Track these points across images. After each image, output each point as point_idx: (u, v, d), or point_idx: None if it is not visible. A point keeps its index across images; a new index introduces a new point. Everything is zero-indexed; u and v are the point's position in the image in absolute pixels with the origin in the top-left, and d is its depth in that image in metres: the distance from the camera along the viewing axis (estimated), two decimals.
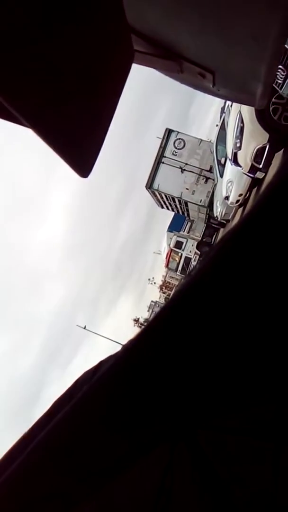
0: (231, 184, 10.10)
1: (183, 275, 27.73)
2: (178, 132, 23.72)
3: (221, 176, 11.73)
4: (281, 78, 4.96)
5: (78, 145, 0.50)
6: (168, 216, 41.13)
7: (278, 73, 4.84)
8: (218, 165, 12.19)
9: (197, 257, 25.05)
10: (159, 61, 0.75)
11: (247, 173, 8.20)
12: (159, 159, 23.32)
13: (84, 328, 32.44)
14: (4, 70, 0.36)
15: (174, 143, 23.32)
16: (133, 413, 0.44)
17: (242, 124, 7.40)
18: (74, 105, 0.46)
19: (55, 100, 0.42)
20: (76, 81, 0.44)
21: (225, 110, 11.23)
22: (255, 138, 7.29)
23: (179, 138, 23.47)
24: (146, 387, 0.43)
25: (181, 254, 30.72)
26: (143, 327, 0.47)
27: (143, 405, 0.43)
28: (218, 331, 0.42)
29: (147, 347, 0.44)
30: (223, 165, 11.34)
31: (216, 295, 0.44)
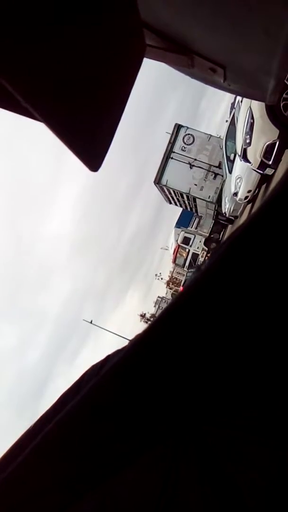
0: (240, 180, 10.06)
1: (191, 270, 27.66)
2: (188, 128, 23.64)
3: (230, 172, 11.68)
4: None
5: (89, 139, 0.50)
6: (176, 212, 41.14)
7: None
8: (227, 161, 12.14)
9: (205, 253, 25.00)
10: (170, 56, 0.75)
11: (257, 169, 8.16)
12: (168, 155, 23.26)
13: (91, 322, 32.61)
14: (18, 64, 0.36)
15: (183, 138, 23.24)
16: (139, 408, 0.44)
17: (252, 120, 7.35)
18: (85, 98, 0.46)
19: (67, 94, 0.42)
20: (88, 74, 0.44)
21: (235, 106, 11.16)
22: (265, 134, 7.24)
23: (189, 134, 23.38)
24: (152, 382, 0.43)
25: (189, 250, 30.72)
26: (150, 322, 0.47)
27: (149, 400, 0.43)
28: (227, 327, 0.42)
29: (154, 342, 0.44)
30: (232, 161, 11.29)
31: (225, 292, 0.44)
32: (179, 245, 31.55)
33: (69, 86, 0.41)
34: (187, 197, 25.38)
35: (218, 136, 23.21)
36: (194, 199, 25.05)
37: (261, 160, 7.66)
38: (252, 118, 7.33)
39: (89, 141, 0.49)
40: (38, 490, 0.44)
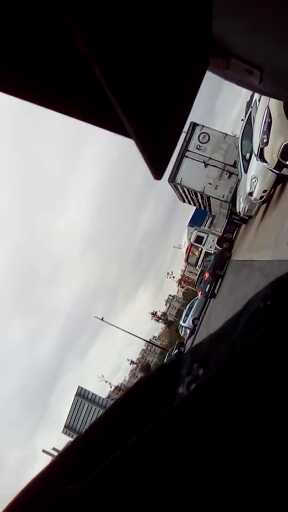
0: (256, 180, 9.99)
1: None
2: (203, 126, 23.54)
3: (246, 171, 11.61)
4: None
5: (160, 149, 0.50)
6: (189, 210, 41.08)
7: None
8: (242, 160, 12.06)
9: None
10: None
11: (273, 169, 8.09)
12: (182, 153, 23.21)
13: (102, 319, 32.80)
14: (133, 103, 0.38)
15: (198, 137, 23.16)
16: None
17: (270, 120, 7.29)
18: (166, 113, 0.47)
19: (153, 108, 0.43)
20: (167, 89, 0.45)
21: (251, 105, 11.08)
22: (283, 134, 7.17)
23: (204, 132, 23.29)
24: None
25: (201, 249, 30.64)
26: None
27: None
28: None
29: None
30: (248, 161, 11.22)
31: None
32: (192, 244, 31.50)
33: (155, 100, 0.42)
34: (201, 196, 25.32)
35: (234, 135, 23.09)
36: (208, 198, 24.97)
37: (278, 160, 7.59)
38: (270, 117, 7.26)
39: (160, 151, 0.50)
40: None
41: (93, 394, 34.45)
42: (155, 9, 0.37)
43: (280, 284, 0.57)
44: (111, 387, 77.67)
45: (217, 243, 25.95)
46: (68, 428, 32.81)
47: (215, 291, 19.75)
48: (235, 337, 0.54)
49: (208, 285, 19.95)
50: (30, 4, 0.38)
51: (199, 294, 22.88)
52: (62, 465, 0.54)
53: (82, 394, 34.07)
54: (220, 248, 23.82)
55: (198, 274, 26.16)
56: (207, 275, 20.18)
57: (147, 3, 0.36)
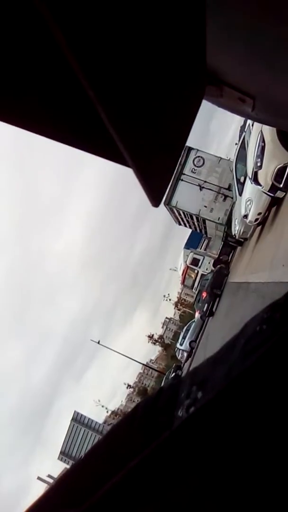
0: (251, 202, 10.09)
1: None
2: (198, 150, 23.89)
3: (240, 194, 11.73)
4: None
5: (158, 177, 0.52)
6: (185, 233, 41.26)
7: None
8: (237, 183, 12.20)
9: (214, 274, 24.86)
10: None
11: (267, 192, 8.19)
12: (178, 176, 23.45)
13: (98, 343, 32.48)
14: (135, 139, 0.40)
15: (193, 160, 23.47)
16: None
17: (263, 144, 7.42)
18: (161, 141, 0.49)
19: (152, 139, 0.45)
20: (165, 122, 0.47)
21: (245, 129, 11.29)
22: (276, 157, 7.29)
23: (199, 156, 23.62)
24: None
25: (197, 271, 30.67)
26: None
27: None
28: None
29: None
30: (242, 184, 11.35)
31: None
32: (188, 266, 31.56)
33: (153, 130, 0.44)
34: (197, 218, 25.50)
35: (228, 159, 23.42)
36: (204, 220, 25.16)
37: (272, 183, 7.70)
38: (264, 141, 7.39)
39: (158, 180, 0.51)
40: None
41: (89, 419, 33.88)
42: (153, 46, 0.39)
43: (275, 308, 0.58)
44: (107, 412, 76.31)
45: (213, 266, 25.98)
46: (64, 454, 32.13)
47: (213, 310, 19.65)
48: (232, 360, 0.54)
49: (206, 305, 19.78)
50: (41, 47, 0.40)
51: (197, 313, 22.75)
52: (62, 490, 0.54)
53: (78, 419, 33.50)
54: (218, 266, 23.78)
55: (196, 293, 26.09)
56: (204, 294, 20.05)
57: (146, 43, 0.38)
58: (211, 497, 0.40)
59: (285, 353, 0.44)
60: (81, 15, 0.28)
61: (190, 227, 32.77)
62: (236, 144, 15.01)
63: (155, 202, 0.54)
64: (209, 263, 28.70)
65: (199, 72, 0.56)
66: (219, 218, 23.10)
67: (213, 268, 25.58)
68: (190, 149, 23.66)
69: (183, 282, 33.74)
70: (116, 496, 0.40)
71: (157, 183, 0.52)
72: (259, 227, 12.21)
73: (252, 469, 0.40)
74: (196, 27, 0.48)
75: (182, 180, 23.46)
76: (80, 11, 0.27)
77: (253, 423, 0.41)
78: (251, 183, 8.75)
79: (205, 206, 23.13)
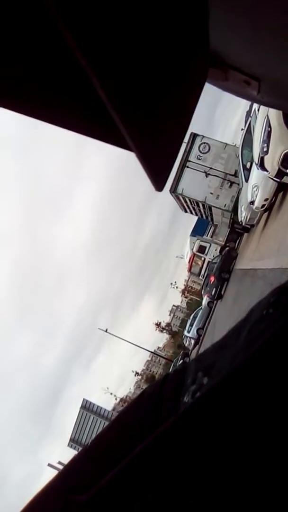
0: (257, 188, 10.02)
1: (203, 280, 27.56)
2: (203, 137, 23.69)
3: (246, 180, 11.65)
4: None
5: (161, 161, 0.52)
6: (191, 220, 41.15)
7: None
8: (243, 169, 12.11)
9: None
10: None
11: (274, 178, 8.12)
12: (183, 163, 23.33)
13: (106, 331, 32.71)
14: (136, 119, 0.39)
15: (199, 147, 23.30)
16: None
17: (269, 129, 7.33)
18: (164, 124, 0.48)
19: (154, 121, 0.45)
20: (166, 104, 0.46)
21: (251, 115, 11.16)
22: (283, 142, 7.21)
23: (204, 143, 23.43)
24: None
25: (204, 259, 30.64)
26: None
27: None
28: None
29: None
30: (249, 170, 11.27)
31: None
32: (194, 254, 31.53)
33: (156, 117, 0.43)
34: (203, 205, 25.39)
35: (234, 145, 23.22)
36: (210, 207, 25.05)
37: (279, 169, 7.62)
38: (270, 126, 7.30)
39: (161, 163, 0.51)
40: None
41: (98, 406, 34.28)
42: (153, 25, 0.38)
43: (281, 291, 0.58)
44: (116, 399, 77.21)
45: (220, 252, 25.92)
46: (74, 441, 32.61)
47: (222, 293, 19.75)
48: (238, 345, 0.54)
49: (214, 289, 20.05)
50: (35, 27, 0.40)
51: (206, 297, 22.83)
52: (69, 476, 0.54)
53: (87, 407, 33.90)
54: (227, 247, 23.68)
55: (203, 279, 26.14)
56: (212, 278, 20.27)
57: (146, 20, 0.37)
58: (216, 483, 0.41)
59: None
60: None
61: (197, 214, 32.66)
62: (242, 129, 14.86)
63: (159, 186, 0.53)
64: (215, 250, 28.63)
65: (202, 53, 0.55)
66: (225, 204, 22.99)
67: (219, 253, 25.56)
68: (195, 135, 23.48)
69: (189, 270, 33.76)
70: (121, 482, 0.40)
71: (160, 167, 0.51)
72: (266, 213, 12.14)
73: (256, 454, 0.40)
74: (197, 6, 0.47)
75: (187, 167, 23.32)
76: None
77: (258, 407, 0.41)
78: (258, 168, 8.67)
79: (211, 193, 23.01)
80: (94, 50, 0.29)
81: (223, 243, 26.81)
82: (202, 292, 25.58)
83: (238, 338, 0.56)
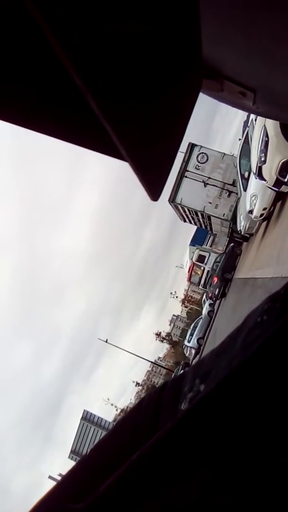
0: (255, 198, 10.06)
1: (205, 289, 27.63)
2: (201, 147, 23.84)
3: (245, 190, 11.69)
4: None
5: (156, 170, 0.52)
6: (190, 230, 41.20)
7: None
8: (241, 179, 12.16)
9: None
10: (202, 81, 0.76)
11: (272, 187, 8.15)
12: (182, 173, 23.44)
13: (106, 341, 32.55)
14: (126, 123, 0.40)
15: (197, 157, 23.44)
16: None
17: (267, 138, 7.38)
18: (158, 134, 0.49)
19: (148, 131, 0.45)
20: (160, 114, 0.47)
21: (248, 124, 11.24)
22: (280, 152, 7.25)
23: (202, 153, 23.57)
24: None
25: (204, 268, 30.61)
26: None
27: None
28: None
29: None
30: (247, 179, 11.31)
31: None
32: (194, 263, 31.50)
33: (149, 123, 0.44)
34: (202, 215, 25.44)
35: (232, 154, 23.35)
36: (209, 217, 25.09)
37: (277, 178, 7.65)
38: (267, 136, 7.35)
39: (156, 173, 0.52)
40: None
41: (99, 417, 34.01)
42: (145, 38, 0.39)
43: (275, 298, 0.58)
44: (117, 410, 76.63)
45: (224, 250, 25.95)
46: (74, 453, 32.30)
47: (226, 291, 20.08)
48: (234, 352, 0.54)
49: (217, 289, 20.35)
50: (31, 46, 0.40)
51: (209, 296, 22.98)
52: (68, 485, 0.54)
53: (87, 418, 33.65)
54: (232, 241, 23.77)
55: (207, 277, 26.26)
56: (215, 279, 20.57)
57: (138, 35, 0.38)
58: (216, 488, 0.41)
59: (285, 341, 0.44)
60: (71, 7, 0.28)
61: (195, 224, 32.71)
62: (239, 139, 14.95)
63: (154, 196, 0.54)
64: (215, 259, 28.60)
65: (195, 64, 0.56)
66: (224, 214, 23.05)
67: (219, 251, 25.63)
68: (193, 145, 23.62)
69: (189, 279, 33.69)
70: (119, 489, 0.41)
71: (155, 177, 0.52)
72: (265, 222, 12.16)
73: (255, 458, 0.40)
74: (189, 18, 0.48)
75: (186, 177, 23.43)
76: (70, 5, 0.27)
77: (254, 412, 0.41)
78: (256, 178, 8.71)
79: (210, 203, 23.09)
80: (89, 71, 0.30)
81: (223, 252, 26.82)
82: (204, 298, 25.60)
83: (234, 345, 0.56)
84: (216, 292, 20.43)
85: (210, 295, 22.33)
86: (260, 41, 0.64)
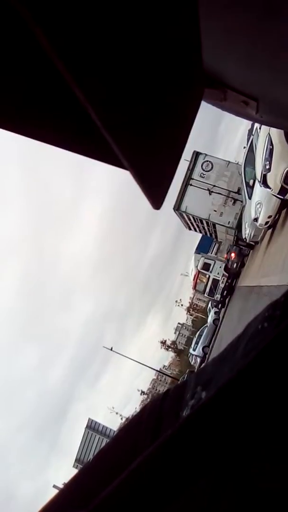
0: (260, 205, 10.05)
1: (211, 297, 27.66)
2: (206, 155, 23.89)
3: (250, 197, 11.70)
4: None
5: (158, 179, 0.53)
6: (195, 237, 41.23)
7: None
8: (246, 187, 12.17)
9: (225, 279, 25.24)
10: (205, 91, 0.77)
11: (277, 195, 8.15)
12: (187, 181, 23.47)
13: (111, 349, 32.47)
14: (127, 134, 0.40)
15: (202, 165, 23.47)
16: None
17: (271, 146, 7.39)
18: (159, 143, 0.49)
19: (149, 141, 0.46)
20: (161, 123, 0.47)
21: (253, 133, 11.27)
22: (285, 160, 7.26)
23: (207, 161, 23.61)
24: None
25: (209, 276, 30.50)
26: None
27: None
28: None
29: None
30: (252, 187, 11.32)
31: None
32: (199, 271, 31.39)
33: (151, 137, 0.44)
34: (207, 223, 25.43)
35: (237, 162, 23.36)
36: (214, 225, 25.08)
37: (282, 186, 7.66)
38: (272, 144, 7.37)
39: (158, 182, 0.52)
40: None
41: (103, 426, 33.86)
42: (146, 47, 0.39)
43: (276, 306, 0.58)
44: (122, 419, 76.16)
45: (225, 270, 25.92)
46: (79, 462, 32.13)
47: (244, 262, 21.61)
48: (235, 359, 0.54)
49: (235, 264, 22.82)
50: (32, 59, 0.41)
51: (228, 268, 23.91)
52: (71, 492, 0.54)
53: (92, 427, 33.49)
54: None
55: (226, 252, 27.60)
56: (233, 255, 22.84)
57: (137, 44, 0.38)
58: (214, 495, 0.40)
59: (285, 348, 0.44)
60: (66, 15, 0.27)
61: (200, 232, 32.69)
62: (244, 147, 14.98)
63: (156, 205, 0.54)
64: (220, 267, 28.51)
65: (196, 73, 0.56)
66: (229, 222, 23.03)
67: (224, 273, 25.67)
68: (198, 154, 23.67)
69: (194, 287, 33.56)
70: (120, 495, 0.41)
71: (157, 186, 0.52)
72: (270, 230, 12.14)
73: (255, 464, 0.40)
74: (189, 27, 0.48)
75: (191, 185, 23.45)
76: (65, 13, 0.27)
77: (254, 419, 0.41)
78: (261, 186, 8.72)
79: (215, 211, 23.08)
80: (83, 72, 0.30)
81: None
82: (209, 306, 25.86)
83: (236, 352, 0.56)
84: (235, 266, 22.58)
85: (229, 267, 23.70)
86: (263, 50, 0.65)
